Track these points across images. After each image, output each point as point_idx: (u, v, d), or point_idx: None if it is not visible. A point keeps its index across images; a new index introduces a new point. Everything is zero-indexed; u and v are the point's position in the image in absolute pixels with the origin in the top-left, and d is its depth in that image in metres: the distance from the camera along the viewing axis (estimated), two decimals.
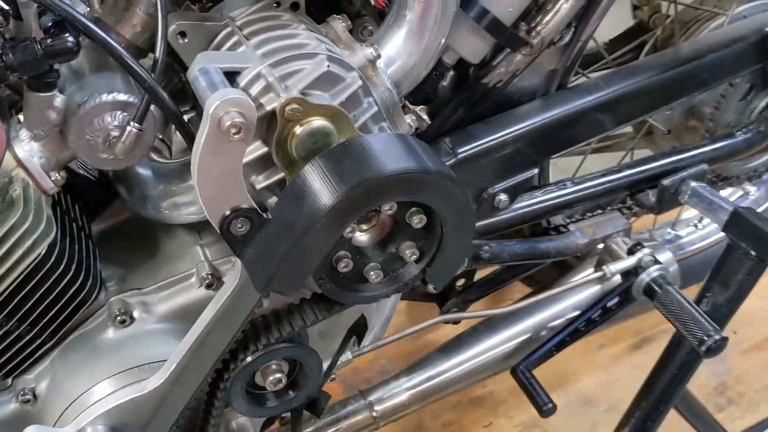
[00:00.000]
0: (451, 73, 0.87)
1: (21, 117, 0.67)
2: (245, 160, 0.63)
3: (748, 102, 1.09)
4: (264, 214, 0.63)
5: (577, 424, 1.34)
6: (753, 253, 0.89)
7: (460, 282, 1.08)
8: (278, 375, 0.70)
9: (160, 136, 0.76)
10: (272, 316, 0.69)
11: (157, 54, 0.64)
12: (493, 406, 1.38)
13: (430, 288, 0.69)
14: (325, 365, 0.76)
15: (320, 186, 0.60)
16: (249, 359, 0.67)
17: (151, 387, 0.69)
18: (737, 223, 0.90)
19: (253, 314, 0.65)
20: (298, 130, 0.63)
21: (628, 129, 1.25)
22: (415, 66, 0.73)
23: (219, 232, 0.62)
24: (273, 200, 0.66)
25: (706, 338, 0.86)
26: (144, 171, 0.76)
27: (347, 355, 0.83)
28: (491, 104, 0.91)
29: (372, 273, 0.67)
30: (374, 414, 0.97)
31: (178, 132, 0.65)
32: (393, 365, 1.48)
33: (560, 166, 1.10)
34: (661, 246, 1.00)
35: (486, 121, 0.90)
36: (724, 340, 0.87)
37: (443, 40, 0.74)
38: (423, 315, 1.23)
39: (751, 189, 1.39)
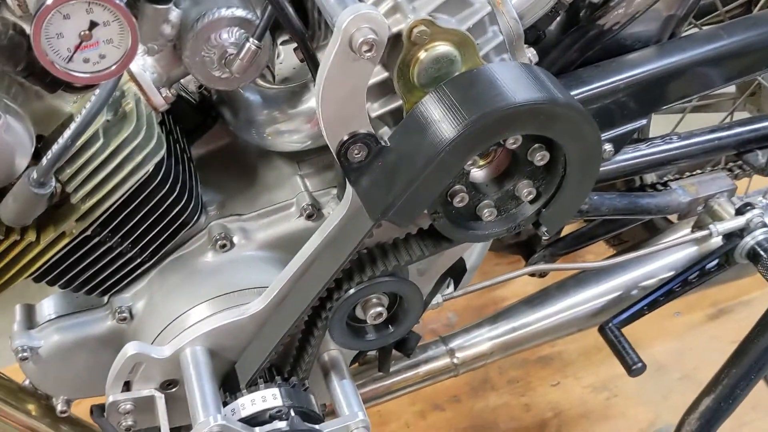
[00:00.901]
0: (562, 13, 0.83)
1: None
2: (370, 83, 0.60)
3: None
4: (382, 142, 0.61)
5: (648, 390, 1.31)
6: None
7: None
8: (379, 309, 0.68)
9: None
10: (378, 250, 0.67)
11: None
12: (562, 366, 1.36)
13: (542, 231, 0.66)
14: None
15: (445, 115, 0.57)
16: (353, 290, 0.65)
17: (252, 312, 0.68)
18: None
19: (361, 245, 0.64)
20: (422, 55, 0.60)
21: (731, 89, 1.19)
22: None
23: (336, 157, 0.60)
24: (384, 131, 0.63)
25: None
26: (250, 95, 0.74)
27: (437, 298, 0.82)
28: (601, 49, 0.87)
29: (486, 210, 0.64)
30: (455, 361, 0.95)
31: (300, 51, 0.63)
32: (459, 319, 1.47)
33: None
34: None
35: (597, 65, 0.85)
36: None
37: None
38: (492, 271, 1.22)
39: None
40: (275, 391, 0.68)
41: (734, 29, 0.89)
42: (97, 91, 0.60)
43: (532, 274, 0.99)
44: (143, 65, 0.66)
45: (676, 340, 1.40)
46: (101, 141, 0.62)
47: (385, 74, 0.62)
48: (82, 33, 0.51)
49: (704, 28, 1.00)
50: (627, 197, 0.93)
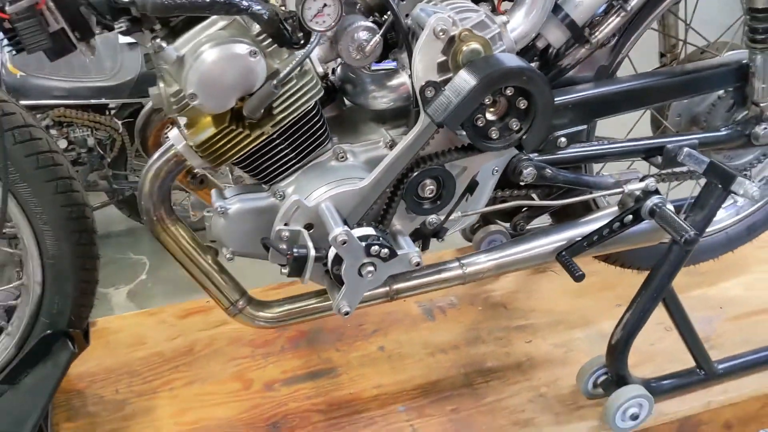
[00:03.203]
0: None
1: None
2: (437, 61, 1.19)
3: (732, 113, 1.63)
4: (442, 88, 1.19)
5: (595, 349, 1.79)
6: (720, 186, 1.41)
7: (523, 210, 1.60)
8: (431, 187, 1.23)
9: None
10: (432, 156, 1.23)
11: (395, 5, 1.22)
12: (533, 331, 1.85)
13: (524, 152, 1.23)
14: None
15: (477, 73, 1.16)
16: (417, 172, 1.21)
17: (362, 185, 1.23)
18: (712, 168, 1.42)
19: (426, 145, 1.20)
20: (464, 48, 1.19)
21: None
22: (525, 33, 1.29)
23: (419, 94, 1.18)
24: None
25: (684, 233, 1.37)
26: (363, 76, 1.33)
27: (457, 213, 1.36)
28: (561, 81, 1.47)
29: (493, 133, 1.21)
30: (465, 271, 1.47)
31: (404, 41, 1.21)
32: (459, 301, 1.98)
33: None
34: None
35: (558, 90, 1.45)
36: (697, 235, 1.38)
37: (541, 23, 1.31)
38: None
39: (740, 200, 1.90)
40: (372, 229, 1.21)
41: (640, 77, 1.50)
42: (299, 54, 1.18)
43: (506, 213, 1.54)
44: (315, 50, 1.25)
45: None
46: (295, 80, 1.20)
47: (445, 57, 1.20)
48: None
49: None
50: (575, 174, 1.49)
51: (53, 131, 3.04)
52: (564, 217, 1.61)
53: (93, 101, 3.00)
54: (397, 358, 1.78)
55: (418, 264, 1.23)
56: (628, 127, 1.72)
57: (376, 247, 1.18)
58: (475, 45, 1.18)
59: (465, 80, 1.15)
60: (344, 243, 1.17)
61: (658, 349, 1.77)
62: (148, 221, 1.28)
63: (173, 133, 1.24)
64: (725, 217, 1.89)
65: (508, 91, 1.18)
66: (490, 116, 1.22)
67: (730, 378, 1.66)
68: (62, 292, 1.38)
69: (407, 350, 1.80)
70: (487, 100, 1.19)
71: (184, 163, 1.26)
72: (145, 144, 1.46)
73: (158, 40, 1.13)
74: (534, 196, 1.53)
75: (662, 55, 1.77)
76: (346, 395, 1.66)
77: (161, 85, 1.19)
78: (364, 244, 1.18)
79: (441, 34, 1.14)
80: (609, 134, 1.56)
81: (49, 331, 1.40)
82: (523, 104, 1.20)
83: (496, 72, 1.15)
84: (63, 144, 3.08)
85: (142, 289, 3.37)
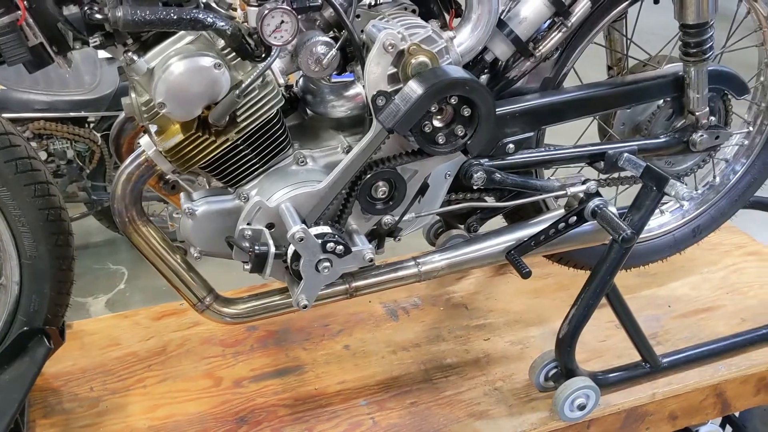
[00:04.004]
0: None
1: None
2: (387, 73, 1.29)
3: (672, 122, 1.74)
4: (393, 97, 1.29)
5: (549, 344, 1.90)
6: (655, 188, 1.52)
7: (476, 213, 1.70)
8: (384, 188, 1.33)
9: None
10: (384, 160, 1.33)
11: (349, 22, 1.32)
12: (491, 330, 1.95)
13: (469, 156, 1.34)
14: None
15: (423, 83, 1.26)
16: (370, 174, 1.31)
17: (319, 186, 1.33)
18: (648, 171, 1.53)
19: (378, 149, 1.30)
20: (413, 60, 1.29)
21: None
22: (471, 47, 1.40)
23: (371, 103, 1.28)
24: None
25: (621, 232, 1.48)
26: (322, 86, 1.43)
27: (411, 214, 1.46)
28: (509, 93, 1.58)
29: (440, 138, 1.31)
30: (420, 269, 1.57)
31: (358, 55, 1.31)
32: (422, 302, 2.08)
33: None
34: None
35: (506, 99, 1.56)
36: (634, 234, 1.49)
37: (486, 38, 1.42)
38: None
39: (685, 204, 2.02)
40: (328, 228, 1.31)
41: (583, 87, 1.61)
42: (261, 67, 1.27)
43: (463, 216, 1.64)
44: (276, 62, 1.35)
45: None
46: (257, 90, 1.29)
47: (395, 69, 1.31)
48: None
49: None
50: (523, 177, 1.60)
51: (33, 143, 3.11)
52: (517, 219, 1.72)
53: (72, 114, 3.09)
54: (361, 355, 1.87)
55: (371, 260, 1.33)
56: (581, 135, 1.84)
57: (332, 244, 1.28)
58: (423, 58, 1.29)
59: (413, 89, 1.26)
60: (301, 240, 1.26)
61: (608, 345, 1.87)
62: (121, 223, 1.37)
63: (144, 140, 1.33)
64: (672, 219, 2.00)
65: (453, 100, 1.29)
66: (437, 123, 1.32)
67: (674, 371, 1.77)
68: (39, 291, 1.46)
69: (371, 348, 1.89)
70: (433, 108, 1.29)
71: (154, 168, 1.35)
72: (118, 151, 1.55)
73: (130, 54, 1.22)
74: (487, 199, 1.64)
75: (609, 68, 1.89)
76: (311, 391, 1.75)
77: (133, 95, 1.28)
78: (320, 241, 1.28)
79: (390, 47, 1.25)
80: (563, 142, 1.68)
81: (26, 329, 1.47)
82: (467, 112, 1.30)
83: (441, 82, 1.25)
84: (43, 156, 3.16)
85: (120, 298, 3.44)
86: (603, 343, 1.88)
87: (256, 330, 1.93)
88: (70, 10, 1.22)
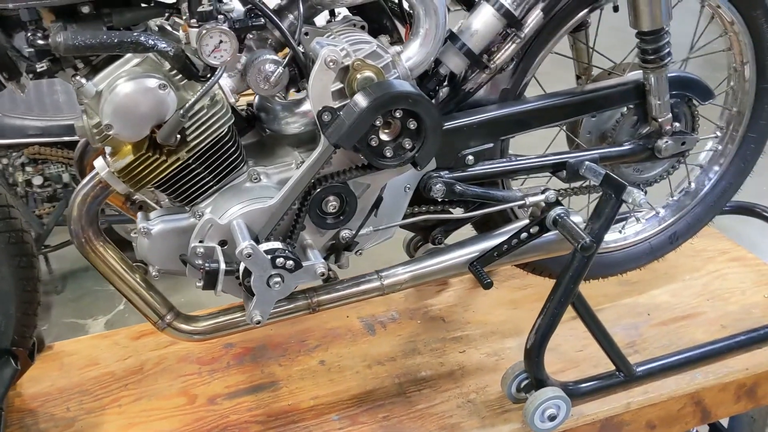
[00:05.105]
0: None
1: None
2: (332, 89, 1.31)
3: (636, 129, 1.74)
4: (338, 113, 1.30)
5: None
6: (614, 196, 1.51)
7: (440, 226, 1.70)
8: (334, 203, 1.34)
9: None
10: (334, 175, 1.34)
11: (295, 38, 1.34)
12: (467, 342, 1.94)
13: (418, 168, 1.34)
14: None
15: (367, 97, 1.27)
16: (319, 189, 1.32)
17: (270, 203, 1.34)
18: (607, 179, 1.53)
19: (327, 163, 1.31)
20: (358, 75, 1.31)
21: None
22: (420, 61, 1.41)
23: (317, 118, 1.29)
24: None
25: (581, 240, 1.48)
26: (275, 105, 1.45)
27: (369, 228, 1.47)
28: (467, 104, 1.58)
29: (387, 151, 1.32)
30: (383, 283, 1.57)
31: (299, 70, 1.33)
32: (400, 316, 2.08)
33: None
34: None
35: (464, 111, 1.56)
36: (593, 243, 1.48)
37: (435, 52, 1.42)
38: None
39: (661, 210, 2.01)
40: (278, 243, 1.32)
41: (545, 97, 1.61)
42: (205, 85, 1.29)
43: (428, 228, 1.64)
44: (227, 82, 1.37)
45: None
46: (206, 109, 1.31)
47: (341, 85, 1.32)
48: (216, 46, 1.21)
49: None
50: (485, 188, 1.60)
51: (29, 168, 3.17)
52: (486, 230, 1.72)
53: (66, 138, 3.13)
54: (337, 370, 1.87)
55: (323, 274, 1.34)
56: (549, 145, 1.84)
57: (281, 259, 1.29)
58: (368, 73, 1.30)
59: (356, 104, 1.27)
60: (249, 256, 1.27)
61: (584, 354, 1.86)
62: (77, 244, 1.39)
63: (98, 162, 1.35)
64: (648, 227, 1.99)
65: (398, 114, 1.30)
66: (384, 137, 1.33)
67: (649, 380, 1.75)
68: (5, 313, 1.48)
69: (346, 363, 1.89)
70: (378, 122, 1.30)
71: (109, 189, 1.37)
72: (82, 173, 1.57)
73: (78, 77, 1.25)
74: (453, 211, 1.64)
75: (578, 77, 1.89)
76: (285, 406, 1.75)
77: (85, 118, 1.30)
78: (269, 256, 1.29)
79: (331, 63, 1.26)
80: (536, 152, 1.68)
81: None
82: (413, 125, 1.31)
83: (384, 96, 1.26)
84: (39, 180, 3.21)
85: (119, 319, 3.47)
86: (580, 353, 1.87)
87: (233, 347, 1.94)
88: (21, 38, 1.25)
